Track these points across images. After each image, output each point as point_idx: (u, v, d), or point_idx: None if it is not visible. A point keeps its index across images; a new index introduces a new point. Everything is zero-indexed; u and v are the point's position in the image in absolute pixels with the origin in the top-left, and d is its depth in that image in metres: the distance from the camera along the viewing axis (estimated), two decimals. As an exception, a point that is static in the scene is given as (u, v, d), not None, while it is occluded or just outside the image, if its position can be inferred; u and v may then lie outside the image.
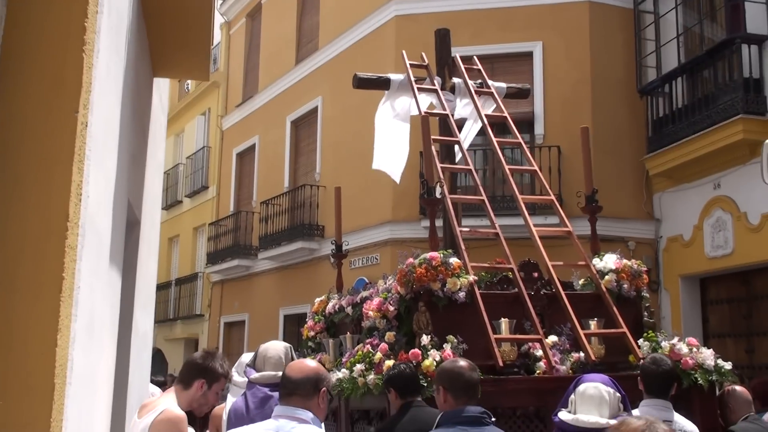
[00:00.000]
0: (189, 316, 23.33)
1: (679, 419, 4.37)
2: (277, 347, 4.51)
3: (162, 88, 6.78)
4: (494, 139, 7.10)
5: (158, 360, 26.44)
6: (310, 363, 3.30)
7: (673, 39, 12.96)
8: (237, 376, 4.68)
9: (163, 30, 5.20)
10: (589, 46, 13.73)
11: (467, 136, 7.74)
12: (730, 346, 12.27)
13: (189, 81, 27.17)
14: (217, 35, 24.36)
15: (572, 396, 3.95)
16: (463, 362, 3.81)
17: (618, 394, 3.87)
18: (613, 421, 3.40)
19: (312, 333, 7.33)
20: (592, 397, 3.84)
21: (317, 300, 7.59)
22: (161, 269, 26.12)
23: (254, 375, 4.42)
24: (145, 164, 5.62)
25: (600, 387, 3.87)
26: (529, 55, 13.97)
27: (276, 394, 3.69)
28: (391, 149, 7.76)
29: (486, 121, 7.16)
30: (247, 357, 5.88)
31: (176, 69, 5.87)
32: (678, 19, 12.90)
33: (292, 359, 4.37)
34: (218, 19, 23.58)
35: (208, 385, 3.94)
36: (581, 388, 3.92)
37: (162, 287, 25.50)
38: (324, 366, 6.62)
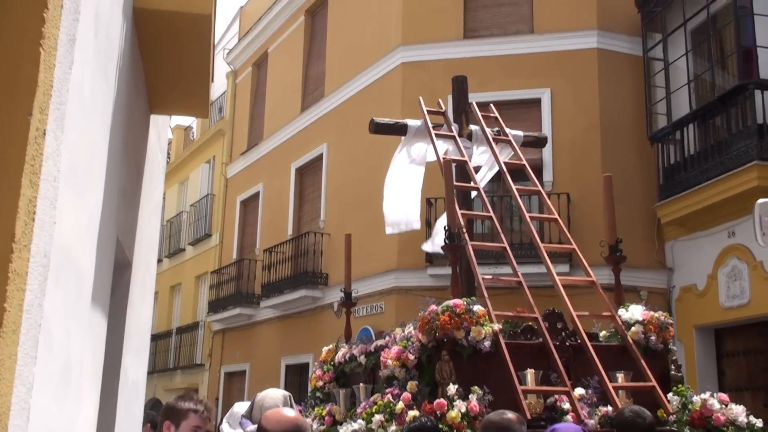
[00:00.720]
0: (189, 366, 22.88)
1: None
2: (274, 396, 4.26)
3: (161, 127, 6.55)
4: (513, 186, 7.02)
5: (158, 410, 25.91)
6: (289, 413, 3.00)
7: (684, 86, 12.78)
8: (228, 428, 4.36)
9: (160, 64, 4.98)
10: (598, 93, 13.56)
11: (482, 181, 7.60)
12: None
13: (194, 129, 27.19)
14: (223, 84, 24.40)
15: None
16: (511, 414, 3.67)
17: None
18: None
19: (320, 383, 7.07)
20: None
21: (325, 349, 7.38)
22: (162, 318, 25.77)
23: (251, 427, 4.13)
24: (138, 203, 5.35)
25: None
26: (537, 102, 13.80)
27: None
28: (403, 202, 7.64)
29: (505, 169, 7.08)
30: (240, 406, 5.77)
31: (174, 105, 5.64)
32: (689, 65, 12.74)
33: (291, 408, 4.11)
34: (224, 69, 23.62)
35: (174, 424, 3.73)
36: None
37: (162, 336, 25.13)
38: (334, 417, 6.43)
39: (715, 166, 11.74)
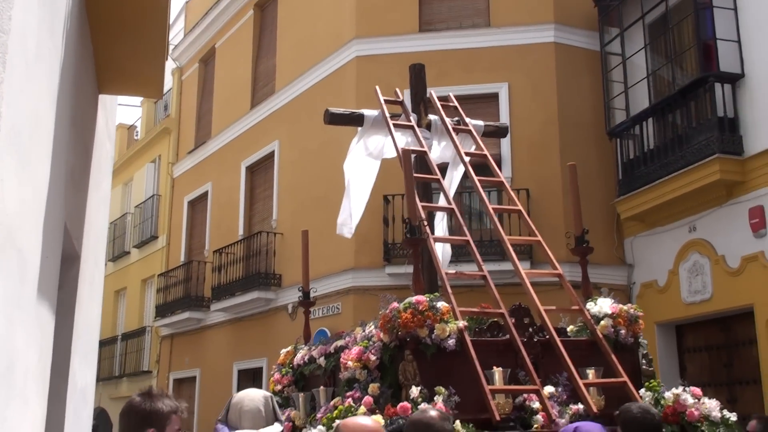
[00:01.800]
0: (136, 373, 22.10)
1: None
2: (254, 398, 3.78)
3: (109, 112, 6.07)
4: (475, 178, 6.70)
5: (103, 420, 25.02)
6: (365, 421, 2.70)
7: (642, 80, 12.69)
8: None
9: (110, 36, 4.53)
10: (556, 88, 13.38)
11: (451, 183, 7.33)
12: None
13: (138, 128, 26.41)
14: (169, 81, 23.69)
15: None
16: (433, 412, 3.35)
17: None
18: None
19: (279, 387, 6.69)
20: None
21: (283, 351, 7.04)
22: (106, 324, 24.88)
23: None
24: (87, 190, 4.88)
25: None
26: (494, 96, 13.57)
27: None
28: (350, 203, 7.23)
29: (466, 160, 6.79)
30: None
31: (125, 84, 5.18)
32: (647, 60, 12.64)
33: (274, 412, 3.70)
34: (170, 65, 22.93)
35: (159, 430, 3.09)
36: None
37: (107, 343, 24.26)
38: (294, 423, 6.02)
39: (675, 161, 11.63)
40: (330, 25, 15.27)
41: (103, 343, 24.38)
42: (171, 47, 22.77)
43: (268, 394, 3.87)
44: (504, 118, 13.38)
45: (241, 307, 16.27)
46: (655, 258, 12.49)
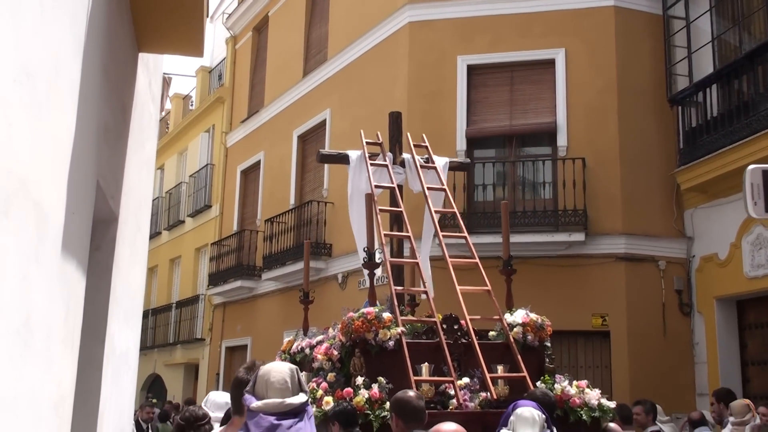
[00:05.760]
0: (189, 341, 22.39)
1: None
2: (280, 370, 3.86)
3: (152, 74, 5.96)
4: (432, 209, 7.97)
5: (157, 386, 25.49)
6: (450, 427, 3.68)
7: (706, 44, 12.14)
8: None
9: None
10: (615, 53, 12.89)
11: (424, 249, 8.64)
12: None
13: (193, 97, 26.53)
14: (223, 50, 23.72)
15: (512, 417, 5.11)
16: (411, 392, 4.72)
17: (544, 416, 5.15)
18: None
19: None
20: (527, 419, 5.07)
21: (286, 339, 8.43)
22: (161, 292, 25.27)
23: (256, 403, 3.79)
24: (125, 149, 4.77)
25: (533, 411, 5.14)
26: (551, 63, 13.14)
27: (284, 423, 3.59)
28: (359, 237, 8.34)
29: (426, 192, 8.05)
30: (217, 396, 6.50)
31: (165, 42, 5.03)
32: (712, 23, 12.08)
33: (299, 384, 3.79)
34: (224, 34, 22.93)
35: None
36: (518, 411, 5.15)
37: (162, 310, 24.64)
38: None
39: (740, 128, 11.12)
40: (383, -10, 15.00)
41: (158, 311, 24.79)
42: (224, 16, 22.79)
43: (294, 366, 3.94)
44: (560, 86, 13.01)
45: (291, 277, 16.25)
46: (716, 230, 12.01)
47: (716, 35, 12.08)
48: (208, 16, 4.98)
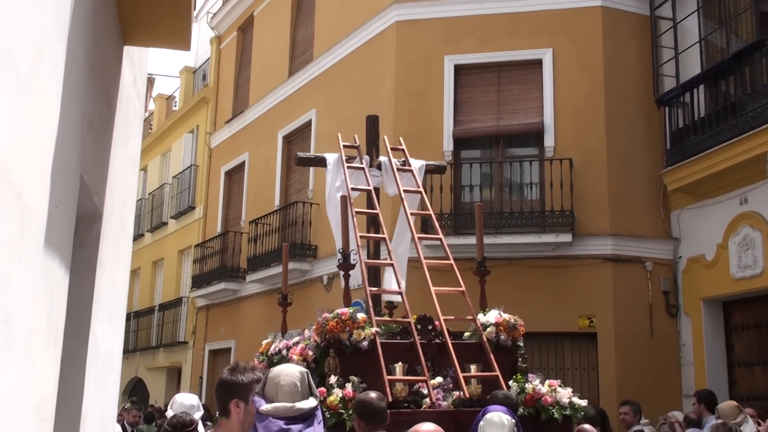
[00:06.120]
0: (172, 344, 22.16)
1: None
2: (290, 373, 3.90)
3: (137, 69, 5.82)
4: (408, 212, 7.99)
5: (139, 390, 25.22)
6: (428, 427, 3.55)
7: (693, 45, 12.14)
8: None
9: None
10: (603, 54, 12.86)
11: (401, 251, 8.44)
12: (759, 376, 11.30)
13: (177, 98, 26.32)
14: (207, 50, 23.53)
15: (481, 422, 5.20)
16: (373, 394, 4.67)
17: (513, 420, 5.26)
18: None
19: None
20: (496, 424, 5.17)
21: (264, 342, 8.41)
22: (144, 295, 25.02)
23: (266, 406, 3.83)
24: (110, 144, 4.64)
25: (502, 416, 5.24)
26: (538, 63, 13.10)
27: (294, 427, 3.59)
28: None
29: (403, 195, 8.09)
30: (183, 397, 6.68)
31: (151, 34, 4.90)
32: (700, 24, 12.08)
33: (309, 387, 3.81)
34: (208, 34, 22.75)
35: (243, 401, 3.58)
36: (488, 416, 5.26)
37: (145, 313, 24.40)
38: None
39: (727, 129, 11.11)
40: (369, -11, 14.90)
41: (140, 314, 24.53)
42: (209, 16, 22.61)
43: (304, 369, 3.96)
44: (547, 86, 12.97)
45: (276, 279, 16.05)
46: (703, 231, 12.00)
47: (703, 36, 12.09)
48: (195, 9, 4.86)
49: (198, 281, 19.89)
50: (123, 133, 5.22)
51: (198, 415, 6.71)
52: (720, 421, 7.96)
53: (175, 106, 26.66)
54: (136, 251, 22.94)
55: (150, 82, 23.80)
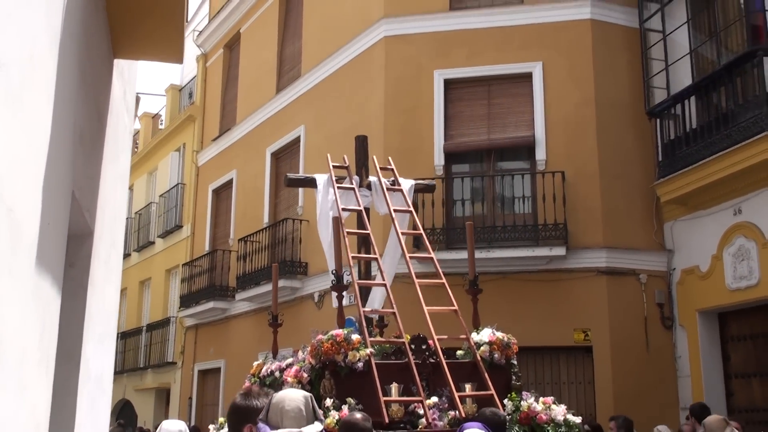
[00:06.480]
0: (160, 364, 21.87)
1: None
2: (294, 398, 3.82)
3: (128, 83, 5.69)
4: (399, 231, 7.99)
5: (127, 412, 24.86)
6: None
7: (683, 57, 12.13)
8: None
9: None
10: (593, 66, 12.84)
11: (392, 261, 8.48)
12: (756, 387, 11.21)
13: (162, 116, 26.15)
14: (193, 68, 23.40)
15: None
16: (359, 415, 4.83)
17: None
18: None
19: None
20: None
21: (255, 363, 8.45)
22: (131, 315, 24.72)
23: None
24: (101, 160, 4.50)
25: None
26: (528, 76, 13.05)
27: None
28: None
29: (393, 214, 8.13)
30: (170, 424, 6.72)
31: (142, 47, 4.77)
32: (690, 36, 12.08)
33: (314, 411, 3.74)
34: (194, 51, 22.63)
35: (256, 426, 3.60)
36: None
37: (132, 334, 24.10)
38: None
39: (719, 140, 11.08)
40: (357, 4, 14.84)
41: (127, 334, 24.21)
42: (195, 34, 22.49)
43: (308, 394, 3.87)
44: (538, 99, 12.91)
45: (265, 297, 15.87)
46: (697, 243, 11.94)
47: (693, 48, 12.07)
48: (187, 21, 4.74)
49: (186, 301, 19.65)
50: (113, 148, 5.08)
51: None
52: None
53: (161, 124, 26.47)
54: (122, 271, 22.65)
55: (136, 100, 23.66)
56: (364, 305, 7.55)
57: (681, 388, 12.04)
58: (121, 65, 5.14)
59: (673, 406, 11.93)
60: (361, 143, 8.96)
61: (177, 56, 4.90)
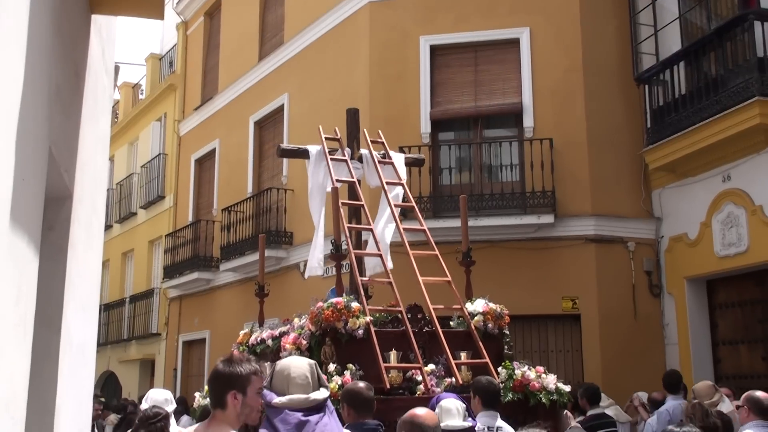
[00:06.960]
0: (144, 336, 21.72)
1: (503, 424, 5.75)
2: (300, 365, 3.87)
3: (106, 43, 5.46)
4: (392, 203, 8.26)
5: (111, 384, 24.74)
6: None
7: (672, 22, 11.98)
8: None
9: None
10: (581, 32, 12.64)
11: (384, 233, 8.58)
12: (744, 354, 11.22)
13: (143, 86, 25.75)
14: (174, 36, 23.01)
15: (436, 410, 5.29)
16: (362, 384, 4.93)
17: (464, 405, 5.45)
18: (467, 424, 5.22)
19: None
20: (450, 410, 5.33)
21: (241, 332, 8.60)
22: (114, 287, 24.51)
23: (280, 399, 3.77)
24: (79, 120, 4.29)
25: (455, 402, 5.44)
26: (515, 42, 12.85)
27: (312, 418, 3.58)
28: (320, 233, 8.63)
29: (386, 187, 8.34)
30: (156, 393, 6.81)
31: (120, 1, 4.55)
32: (679, 1, 11.92)
33: (319, 379, 3.77)
34: (174, 19, 22.23)
35: (241, 392, 3.45)
36: (442, 403, 5.40)
37: (115, 305, 23.91)
38: None
39: (709, 106, 10.97)
40: (341, -31, 14.54)
41: (111, 306, 24.01)
42: (175, 1, 22.07)
43: (312, 361, 3.91)
44: (525, 66, 12.73)
45: (250, 267, 15.75)
46: (685, 210, 11.87)
47: (682, 13, 11.92)
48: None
49: (170, 272, 19.48)
50: (92, 108, 4.87)
51: (170, 408, 6.61)
52: (696, 401, 7.82)
53: (141, 94, 26.07)
54: (104, 242, 22.41)
55: (115, 70, 23.22)
56: (361, 275, 7.76)
57: (668, 356, 12.03)
58: (99, 22, 4.91)
59: (661, 374, 11.85)
60: (353, 116, 9.04)
61: (157, 11, 4.68)
